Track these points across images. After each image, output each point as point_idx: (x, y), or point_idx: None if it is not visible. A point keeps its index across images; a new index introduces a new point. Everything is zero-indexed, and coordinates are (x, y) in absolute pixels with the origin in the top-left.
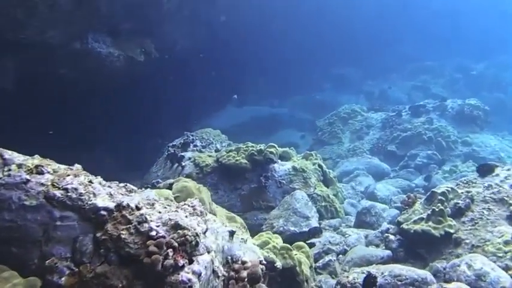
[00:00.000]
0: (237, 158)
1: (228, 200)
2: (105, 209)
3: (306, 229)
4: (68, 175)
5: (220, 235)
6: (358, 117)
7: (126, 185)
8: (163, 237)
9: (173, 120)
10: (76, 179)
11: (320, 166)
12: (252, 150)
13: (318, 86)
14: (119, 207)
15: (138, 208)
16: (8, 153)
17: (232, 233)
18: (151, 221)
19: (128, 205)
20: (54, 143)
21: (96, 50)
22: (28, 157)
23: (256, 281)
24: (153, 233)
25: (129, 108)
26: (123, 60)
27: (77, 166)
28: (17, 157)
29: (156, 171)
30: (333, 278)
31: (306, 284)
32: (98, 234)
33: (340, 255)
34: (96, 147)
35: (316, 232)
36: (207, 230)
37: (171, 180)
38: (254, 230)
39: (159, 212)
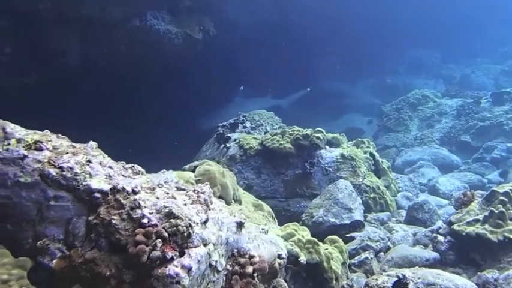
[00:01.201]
0: (281, 142)
1: (271, 185)
2: (100, 191)
3: (347, 221)
4: (67, 153)
5: (225, 226)
6: (429, 104)
7: (133, 166)
8: (156, 225)
9: (223, 100)
10: (74, 157)
11: (372, 155)
12: (298, 134)
13: (390, 69)
14: (114, 190)
15: (134, 192)
16: (10, 127)
17: (240, 224)
18: (145, 207)
19: (123, 188)
20: (112, 119)
21: (154, 27)
22: (30, 132)
23: (272, 276)
24: (145, 221)
25: (183, 86)
26: (181, 37)
27: (91, 143)
28: (19, 131)
29: (205, 150)
30: (367, 277)
31: (335, 281)
32: (90, 218)
33: (382, 253)
34: (152, 122)
35: (357, 225)
36: (207, 220)
37: (197, 163)
38: (296, 217)
39: (157, 198)
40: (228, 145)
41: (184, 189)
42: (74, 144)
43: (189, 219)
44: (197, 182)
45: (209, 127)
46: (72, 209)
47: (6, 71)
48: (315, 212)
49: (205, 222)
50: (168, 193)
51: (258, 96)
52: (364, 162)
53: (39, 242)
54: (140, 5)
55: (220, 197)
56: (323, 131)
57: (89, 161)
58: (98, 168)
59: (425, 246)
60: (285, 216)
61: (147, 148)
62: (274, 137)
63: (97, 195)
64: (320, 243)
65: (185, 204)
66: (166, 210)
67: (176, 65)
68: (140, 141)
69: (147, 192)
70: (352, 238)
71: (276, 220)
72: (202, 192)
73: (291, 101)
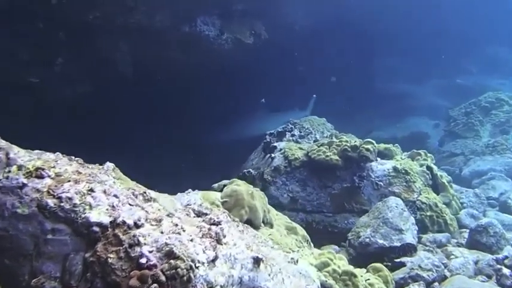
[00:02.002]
0: (328, 154)
1: (317, 199)
2: (99, 224)
3: (397, 244)
4: (69, 181)
5: (238, 263)
6: (504, 108)
7: (144, 193)
8: (155, 265)
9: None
10: (75, 186)
11: (429, 168)
12: (346, 145)
13: (462, 68)
14: (113, 223)
15: (136, 225)
16: (14, 152)
17: (257, 260)
18: (144, 244)
19: (124, 222)
20: (162, 126)
21: (204, 33)
22: (34, 157)
23: None
24: (143, 260)
25: (232, 93)
26: (231, 43)
27: (108, 165)
28: (22, 157)
29: (252, 158)
30: None
31: None
32: (87, 255)
33: (436, 283)
34: (209, 127)
35: (409, 249)
36: (216, 258)
37: (226, 181)
38: (344, 234)
39: (161, 232)
40: (273, 155)
41: (205, 214)
42: (80, 170)
43: (192, 260)
44: (223, 203)
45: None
46: (70, 244)
47: (59, 80)
48: (362, 232)
49: (213, 261)
50: (177, 224)
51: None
52: (420, 177)
53: (33, 281)
54: (190, 11)
55: (248, 220)
56: (373, 142)
57: (91, 190)
58: (100, 198)
59: (489, 277)
60: (331, 233)
61: (196, 157)
62: (321, 148)
63: (95, 229)
64: (359, 275)
65: (191, 240)
66: (167, 248)
67: (226, 71)
68: (189, 149)
69: (152, 225)
70: (402, 264)
71: (311, 245)
72: (216, 223)
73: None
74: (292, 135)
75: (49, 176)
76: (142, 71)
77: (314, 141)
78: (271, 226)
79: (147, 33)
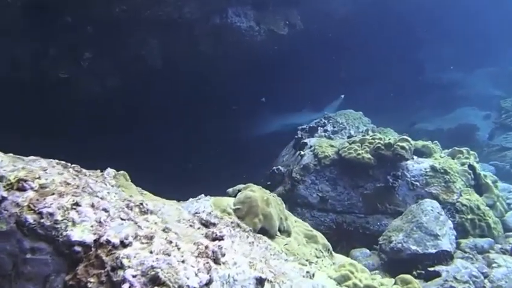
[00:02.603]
0: (359, 152)
1: (348, 199)
2: (81, 243)
3: (431, 250)
4: (53, 194)
5: (238, 285)
6: None
7: (141, 204)
8: None
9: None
10: (59, 199)
11: (472, 167)
12: (379, 143)
13: None
14: (97, 243)
15: (123, 245)
16: None
17: (260, 281)
18: (128, 267)
19: (108, 241)
20: (192, 119)
21: (236, 24)
22: (19, 166)
23: None
24: (126, 286)
25: (264, 86)
26: (264, 34)
27: (108, 171)
28: (4, 166)
29: (283, 155)
30: None
31: None
32: (67, 278)
33: None
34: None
35: (445, 257)
36: (210, 281)
37: (241, 186)
38: (376, 236)
39: (150, 252)
40: (302, 153)
41: (213, 224)
42: (69, 180)
43: (179, 286)
44: (236, 211)
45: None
46: (51, 264)
47: (88, 75)
48: (394, 237)
49: (207, 284)
50: (171, 242)
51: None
52: (461, 176)
53: None
54: (221, 2)
55: (262, 229)
56: (409, 139)
57: (77, 204)
58: (86, 213)
59: None
60: (363, 235)
61: (229, 152)
62: (352, 145)
63: (77, 248)
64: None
65: (183, 261)
66: (153, 272)
67: (258, 63)
68: (223, 144)
69: (142, 243)
70: (437, 273)
71: (333, 254)
72: (218, 238)
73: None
74: (325, 131)
75: (32, 189)
76: (171, 65)
77: (348, 137)
78: (289, 234)
79: (176, 25)
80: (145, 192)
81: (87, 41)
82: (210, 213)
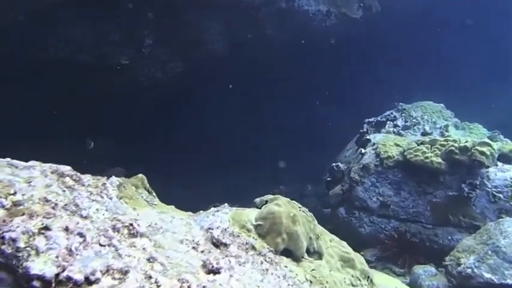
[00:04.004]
0: (428, 155)
1: (414, 206)
2: (40, 278)
3: (510, 281)
4: (23, 214)
5: None
6: None
7: (131, 225)
8: None
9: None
10: (27, 222)
11: None
12: (452, 146)
13: None
14: (57, 279)
15: (88, 282)
16: None
17: None
18: None
19: (69, 278)
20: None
21: (303, 8)
22: None
23: None
24: None
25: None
26: (335, 18)
27: (112, 180)
28: None
29: (348, 148)
30: None
31: None
32: None
33: None
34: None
35: None
36: None
37: (269, 197)
38: (446, 252)
39: None
40: (363, 150)
41: (225, 244)
42: (49, 197)
43: None
44: (257, 227)
45: None
46: None
47: (150, 61)
48: (464, 259)
49: None
50: (150, 277)
51: None
52: None
53: None
54: None
55: (286, 250)
56: (491, 143)
57: (46, 228)
58: (56, 239)
59: None
60: (430, 249)
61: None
62: (420, 147)
63: (35, 284)
64: None
65: None
66: None
67: (325, 49)
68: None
69: (114, 279)
70: None
71: (373, 283)
72: (211, 271)
73: None
74: (395, 126)
75: (3, 207)
76: (235, 50)
77: (422, 134)
78: (320, 256)
79: (239, 10)
80: (156, 202)
81: (148, 27)
82: (225, 229)
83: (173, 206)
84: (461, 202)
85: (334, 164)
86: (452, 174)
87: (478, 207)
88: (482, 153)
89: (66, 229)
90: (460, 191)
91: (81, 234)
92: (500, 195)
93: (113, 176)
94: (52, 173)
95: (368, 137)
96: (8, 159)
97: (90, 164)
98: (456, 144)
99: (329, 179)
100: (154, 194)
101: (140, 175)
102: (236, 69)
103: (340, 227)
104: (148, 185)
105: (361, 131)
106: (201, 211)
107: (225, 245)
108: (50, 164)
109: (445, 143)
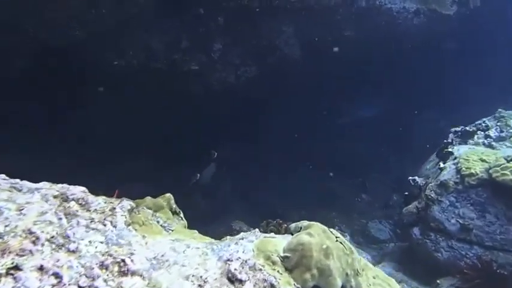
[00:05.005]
0: None
1: (502, 232)
2: None
3: None
4: None
5: None
6: None
7: (122, 262)
8: None
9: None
10: None
11: None
12: None
13: None
14: None
15: None
16: None
17: None
18: None
19: None
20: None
21: (385, 6)
22: None
23: None
24: None
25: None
26: (423, 16)
27: (123, 204)
28: None
29: (430, 160)
30: None
31: None
32: None
33: None
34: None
35: None
36: None
37: (305, 223)
38: None
39: None
40: (442, 165)
41: (241, 281)
42: (33, 229)
43: None
44: (284, 259)
45: None
46: None
47: (220, 66)
48: None
49: None
50: None
51: None
52: None
53: None
54: None
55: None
56: None
57: (16, 267)
58: (26, 281)
59: None
60: None
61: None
62: (510, 164)
63: None
64: None
65: None
66: None
67: (413, 51)
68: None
69: None
70: None
71: None
72: None
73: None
74: (486, 137)
75: None
76: (310, 53)
77: None
78: None
79: (314, 12)
80: (173, 227)
81: (218, 32)
82: (245, 261)
83: (195, 231)
84: None
85: (410, 178)
86: None
87: None
88: None
89: (41, 268)
90: None
91: (57, 275)
92: None
93: (124, 200)
94: (56, 197)
95: (450, 149)
96: (17, 180)
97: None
98: None
99: (406, 193)
100: (181, 214)
101: (168, 195)
102: (314, 72)
103: (414, 249)
104: (174, 205)
105: (444, 141)
106: (228, 236)
107: (240, 281)
108: (61, 185)
109: None
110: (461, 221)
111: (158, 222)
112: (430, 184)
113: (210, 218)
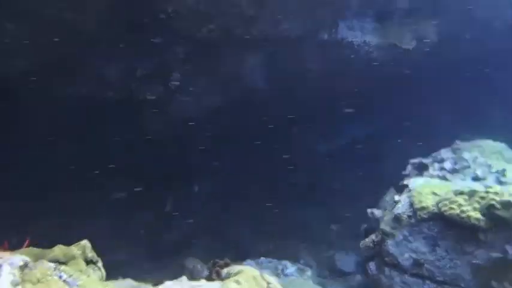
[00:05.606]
0: (464, 209)
1: (451, 266)
2: None
3: None
4: None
5: None
6: None
7: None
8: None
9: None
10: None
11: None
12: (493, 200)
13: None
14: None
15: None
16: None
17: None
18: None
19: None
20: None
21: (346, 39)
22: None
23: None
24: None
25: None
26: (383, 49)
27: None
28: None
29: (390, 192)
30: None
31: None
32: None
33: None
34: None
35: None
36: None
37: (237, 268)
38: None
39: None
40: (397, 198)
41: None
42: None
43: None
44: None
45: None
46: None
47: (180, 96)
48: None
49: None
50: None
51: None
52: None
53: None
54: (333, 14)
55: None
56: None
57: None
58: None
59: None
60: None
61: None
62: (457, 198)
63: None
64: None
65: None
66: None
67: (377, 81)
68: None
69: None
70: None
71: None
72: None
73: None
74: (441, 169)
75: None
76: (274, 84)
77: (473, 180)
78: None
79: (277, 43)
80: (81, 281)
81: (175, 62)
82: None
83: (109, 284)
84: (507, 267)
85: (369, 209)
86: (496, 233)
87: None
88: None
89: None
90: (504, 253)
91: None
92: None
93: (17, 255)
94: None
95: (406, 182)
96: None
97: None
98: (497, 198)
99: (365, 225)
100: (99, 264)
101: (83, 242)
102: (277, 104)
103: (371, 284)
104: (91, 254)
105: (402, 172)
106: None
107: None
108: None
109: (486, 195)
110: (414, 256)
111: (61, 277)
112: (385, 218)
113: (168, 252)
